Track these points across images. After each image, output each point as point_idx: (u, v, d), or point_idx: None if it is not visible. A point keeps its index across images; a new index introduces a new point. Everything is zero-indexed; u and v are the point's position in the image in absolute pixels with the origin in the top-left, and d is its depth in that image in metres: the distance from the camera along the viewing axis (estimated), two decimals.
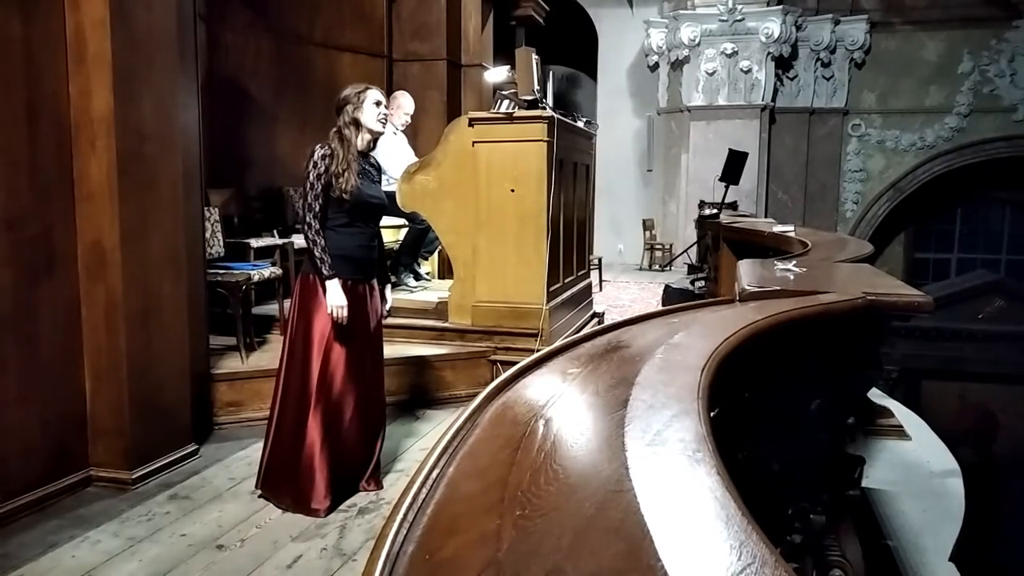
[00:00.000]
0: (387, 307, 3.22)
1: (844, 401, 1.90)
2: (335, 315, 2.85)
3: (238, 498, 3.00)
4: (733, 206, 8.92)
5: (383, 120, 3.02)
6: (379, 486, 3.07)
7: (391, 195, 4.69)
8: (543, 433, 0.87)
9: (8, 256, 2.71)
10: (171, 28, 3.25)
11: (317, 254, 2.84)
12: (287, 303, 4.64)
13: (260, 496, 2.96)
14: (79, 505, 2.90)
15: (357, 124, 2.95)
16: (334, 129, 2.96)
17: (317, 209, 2.85)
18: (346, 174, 2.86)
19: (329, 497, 2.86)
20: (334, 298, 2.85)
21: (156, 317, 3.18)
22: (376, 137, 3.04)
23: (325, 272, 2.84)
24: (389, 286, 3.26)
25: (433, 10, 6.65)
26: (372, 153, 5.05)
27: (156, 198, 3.17)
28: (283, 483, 2.91)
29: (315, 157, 2.86)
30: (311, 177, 2.84)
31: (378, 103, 2.99)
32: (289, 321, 2.98)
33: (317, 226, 2.85)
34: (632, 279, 9.87)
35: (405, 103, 5.34)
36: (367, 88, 2.99)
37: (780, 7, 10.65)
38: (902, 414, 3.40)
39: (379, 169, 3.17)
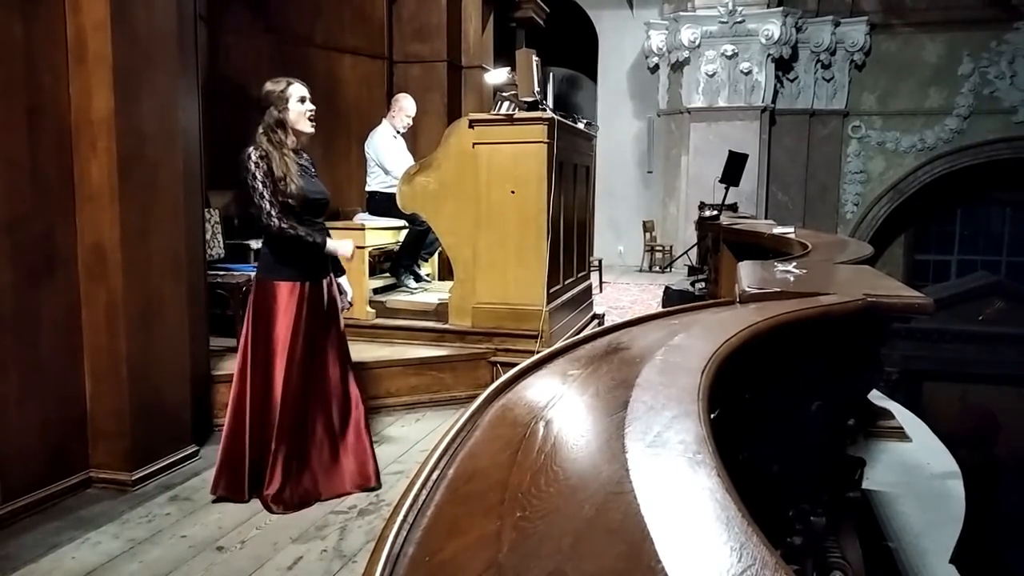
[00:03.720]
0: (348, 298, 3.21)
1: (844, 403, 1.90)
2: (350, 255, 3.01)
3: None
4: (733, 208, 8.93)
5: (312, 117, 2.95)
6: (378, 484, 3.07)
7: (392, 197, 4.70)
8: (543, 435, 0.87)
9: (9, 257, 2.71)
10: (171, 29, 3.25)
11: (302, 233, 2.85)
12: None
13: (217, 499, 2.96)
14: (79, 506, 2.90)
15: (283, 125, 2.89)
16: (260, 131, 2.89)
17: (277, 202, 2.82)
18: (288, 177, 2.82)
19: (291, 498, 2.88)
20: (344, 247, 2.98)
21: (156, 318, 3.18)
22: (306, 136, 2.97)
23: (319, 240, 2.90)
24: (344, 277, 3.22)
25: (433, 12, 6.66)
26: (367, 151, 5.05)
27: (156, 199, 3.18)
28: (235, 483, 2.93)
29: (253, 159, 2.81)
30: (259, 177, 2.80)
31: (303, 99, 2.92)
32: (245, 327, 2.93)
33: (280, 215, 2.82)
34: (632, 281, 9.88)
35: (407, 105, 5.34)
36: (289, 84, 2.91)
37: (780, 9, 10.66)
38: (902, 416, 3.39)
39: (314, 164, 3.11)
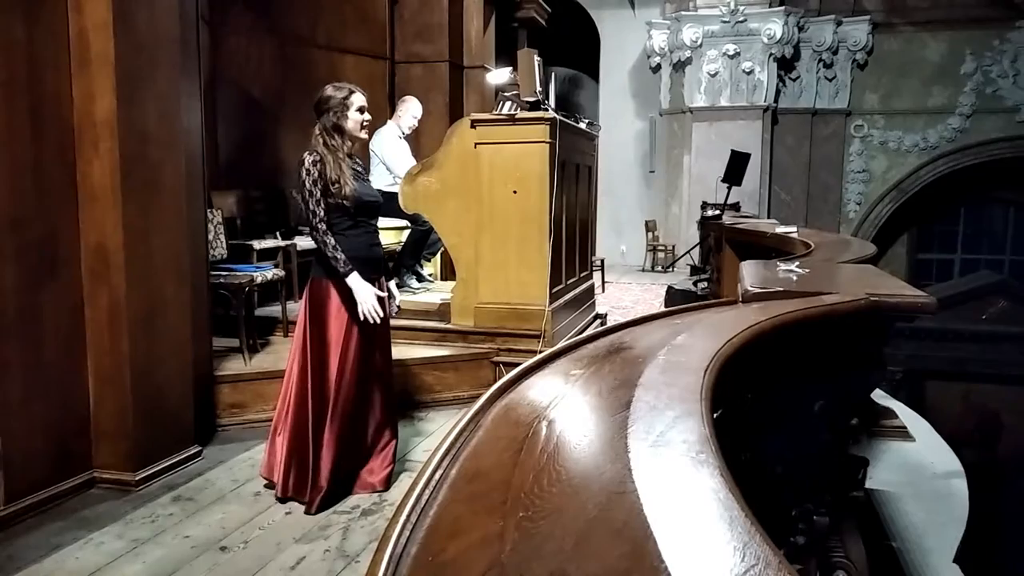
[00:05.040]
0: (396, 303, 3.23)
1: (847, 402, 1.90)
2: (366, 309, 2.85)
3: (241, 499, 3.00)
4: (735, 207, 8.93)
5: (367, 128, 3.01)
6: (385, 486, 3.07)
7: (395, 196, 4.70)
8: (546, 434, 0.87)
9: (12, 258, 2.71)
10: (174, 30, 3.25)
11: (330, 253, 2.84)
12: (290, 305, 4.65)
13: (284, 500, 2.96)
14: (83, 507, 2.90)
15: (340, 131, 2.94)
16: (316, 132, 2.94)
17: (322, 214, 2.86)
18: (341, 180, 2.86)
19: (328, 502, 2.90)
20: (363, 293, 2.85)
21: (159, 319, 3.19)
22: (359, 143, 3.03)
23: (342, 269, 2.84)
24: (395, 283, 3.26)
25: (435, 12, 6.66)
26: (372, 150, 5.07)
27: (159, 200, 3.18)
28: (301, 482, 2.93)
29: (307, 164, 2.85)
30: (308, 184, 2.84)
31: (362, 109, 2.97)
32: (301, 326, 2.95)
33: (325, 227, 2.86)
34: (634, 280, 9.87)
35: (413, 107, 5.35)
36: (351, 93, 2.95)
37: (782, 8, 10.64)
38: (906, 415, 3.39)
39: (366, 168, 3.17)
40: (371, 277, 2.98)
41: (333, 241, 2.85)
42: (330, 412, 2.89)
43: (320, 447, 2.89)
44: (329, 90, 2.96)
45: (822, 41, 11.11)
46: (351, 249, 2.89)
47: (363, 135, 3.02)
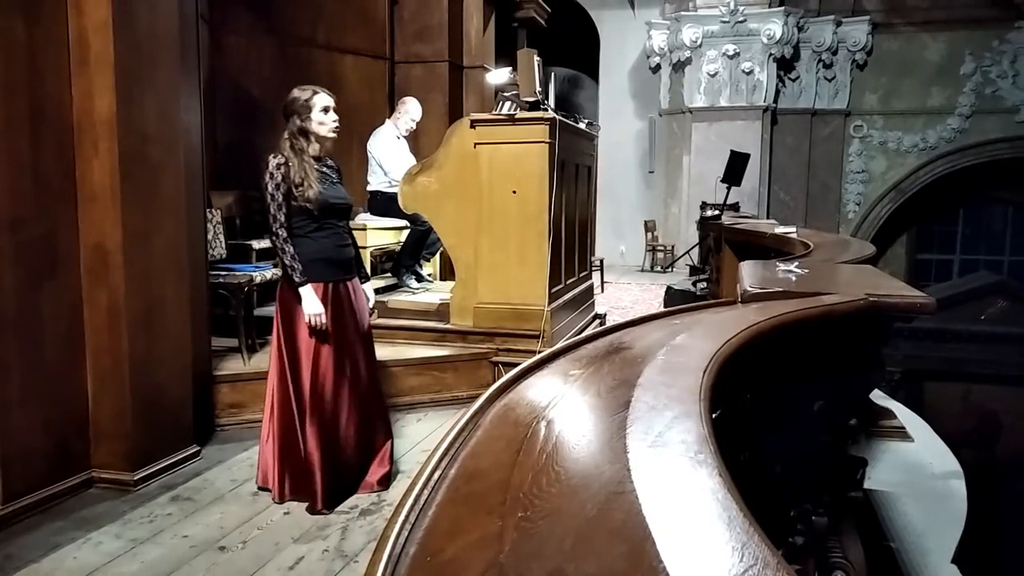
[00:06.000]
0: (371, 304, 3.22)
1: (846, 402, 1.90)
2: (312, 323, 2.84)
3: (240, 499, 3.00)
4: (735, 207, 8.94)
5: (334, 127, 2.96)
6: (384, 486, 3.07)
7: (394, 197, 4.71)
8: (545, 435, 0.87)
9: (11, 258, 2.71)
10: (173, 30, 3.25)
11: (287, 262, 2.83)
12: None
13: (282, 502, 2.95)
14: (81, 507, 2.90)
15: (305, 133, 2.91)
16: (284, 136, 2.92)
17: (283, 219, 2.84)
18: (305, 183, 2.84)
19: (329, 499, 2.89)
20: (309, 306, 2.84)
21: (158, 319, 3.18)
22: (329, 144, 2.98)
23: (297, 279, 2.83)
24: (370, 284, 3.24)
25: (435, 12, 6.66)
26: (369, 150, 5.06)
27: (158, 200, 3.18)
28: (302, 485, 2.93)
29: (270, 168, 2.83)
30: (270, 188, 2.82)
31: (326, 109, 2.92)
32: (276, 331, 2.95)
33: (285, 234, 2.84)
34: (634, 280, 9.87)
35: (412, 109, 5.35)
36: (315, 94, 2.92)
37: (782, 8, 10.65)
38: (904, 415, 3.39)
39: (338, 171, 3.10)
40: (341, 278, 2.98)
41: (292, 250, 2.84)
42: (307, 414, 2.88)
43: (308, 448, 2.89)
44: (295, 92, 2.94)
45: (822, 41, 11.11)
46: (318, 251, 2.89)
47: (329, 135, 2.95)
